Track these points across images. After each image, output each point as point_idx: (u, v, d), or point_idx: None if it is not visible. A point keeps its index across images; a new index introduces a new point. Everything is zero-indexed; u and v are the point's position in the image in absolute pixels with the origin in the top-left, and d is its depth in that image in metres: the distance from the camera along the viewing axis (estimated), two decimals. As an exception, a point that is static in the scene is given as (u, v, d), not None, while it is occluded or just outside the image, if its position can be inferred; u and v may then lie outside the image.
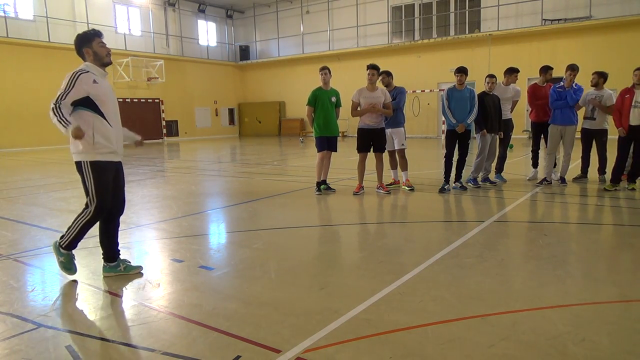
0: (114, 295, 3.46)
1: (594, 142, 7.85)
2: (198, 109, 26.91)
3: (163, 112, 24.85)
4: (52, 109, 3.42)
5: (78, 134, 3.39)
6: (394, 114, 7.34)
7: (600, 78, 7.63)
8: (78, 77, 3.51)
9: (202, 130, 27.02)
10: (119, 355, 2.57)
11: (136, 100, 23.56)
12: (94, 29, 3.80)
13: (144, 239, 5.13)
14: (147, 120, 24.05)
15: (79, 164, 3.65)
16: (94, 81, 3.58)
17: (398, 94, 7.46)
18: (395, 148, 7.58)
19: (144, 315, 3.08)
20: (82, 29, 23.74)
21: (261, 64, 27.95)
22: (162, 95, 24.67)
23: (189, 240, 4.95)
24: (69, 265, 3.77)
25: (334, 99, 7.36)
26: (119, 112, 3.85)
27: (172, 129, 25.56)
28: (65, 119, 3.42)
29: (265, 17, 27.74)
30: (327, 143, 7.38)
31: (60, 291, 3.56)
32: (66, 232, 3.74)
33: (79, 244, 3.80)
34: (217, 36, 28.44)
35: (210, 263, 4.16)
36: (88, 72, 3.59)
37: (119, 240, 3.94)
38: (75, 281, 3.74)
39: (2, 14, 18.86)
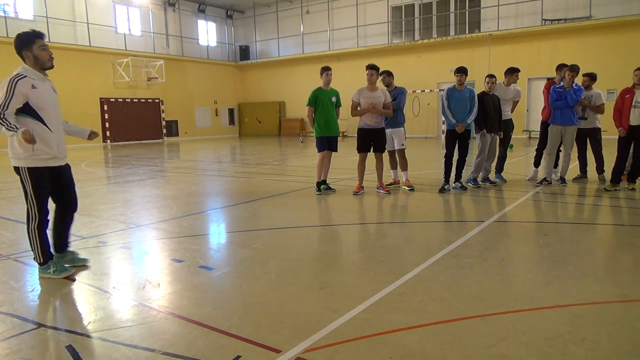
0: (114, 295, 3.46)
1: (588, 142, 7.89)
2: (198, 109, 26.91)
3: (163, 112, 24.85)
4: None
5: (28, 138, 3.34)
6: (394, 114, 7.34)
7: (592, 80, 7.78)
8: (16, 83, 3.41)
9: (202, 130, 27.02)
10: (119, 355, 2.57)
11: (136, 100, 23.57)
12: (35, 30, 3.64)
13: (144, 239, 5.13)
14: (147, 120, 24.07)
15: (17, 169, 3.67)
16: (33, 86, 3.48)
17: (399, 94, 7.46)
18: (395, 148, 7.58)
19: (144, 315, 3.07)
20: (82, 29, 23.55)
21: (261, 64, 27.95)
22: (162, 95, 24.67)
23: (189, 240, 4.95)
24: (62, 269, 3.80)
25: (334, 99, 7.36)
26: (60, 115, 3.79)
27: (172, 129, 25.56)
28: (14, 125, 3.38)
29: (265, 17, 27.74)
30: (328, 143, 7.38)
31: (60, 291, 3.55)
32: (32, 250, 3.77)
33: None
34: (217, 36, 28.43)
35: (210, 263, 4.16)
36: (25, 77, 3.47)
37: (71, 232, 4.10)
38: (75, 281, 3.74)
39: (2, 14, 18.86)
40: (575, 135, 7.74)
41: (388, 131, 7.43)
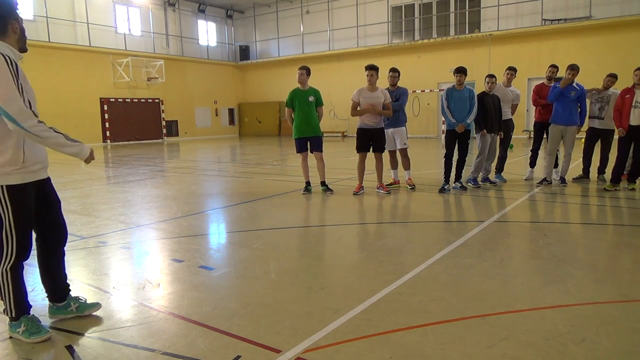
0: (114, 295, 3.46)
1: (597, 143, 7.86)
2: (198, 109, 26.91)
3: (163, 112, 24.84)
4: (30, 127, 2.46)
5: (92, 157, 2.76)
6: (396, 114, 7.36)
7: (615, 80, 7.75)
8: (16, 64, 2.49)
9: (202, 130, 27.02)
10: (119, 355, 2.57)
11: (136, 100, 23.56)
12: None
13: (144, 239, 5.13)
14: (147, 120, 24.06)
15: None
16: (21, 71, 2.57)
17: (401, 95, 7.48)
18: (398, 148, 7.60)
19: (144, 315, 3.07)
20: (82, 29, 23.50)
21: (261, 64, 27.94)
22: (162, 95, 24.66)
23: (189, 240, 4.95)
24: (36, 329, 2.73)
25: (311, 99, 7.25)
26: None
27: (172, 129, 25.55)
28: (65, 134, 2.61)
29: (265, 17, 27.74)
30: (310, 144, 7.35)
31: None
32: (1, 298, 2.75)
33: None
34: (217, 36, 28.42)
35: (210, 263, 4.16)
36: (13, 58, 2.52)
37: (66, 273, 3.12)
38: (75, 281, 3.73)
39: (2, 14, 18.84)
40: (588, 134, 7.73)
41: (390, 131, 7.44)
